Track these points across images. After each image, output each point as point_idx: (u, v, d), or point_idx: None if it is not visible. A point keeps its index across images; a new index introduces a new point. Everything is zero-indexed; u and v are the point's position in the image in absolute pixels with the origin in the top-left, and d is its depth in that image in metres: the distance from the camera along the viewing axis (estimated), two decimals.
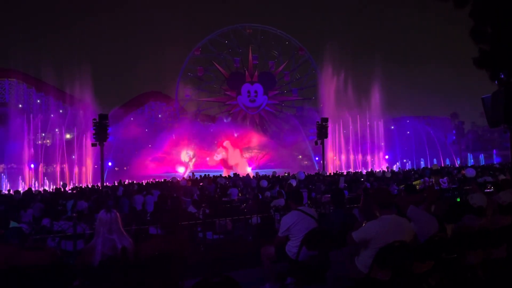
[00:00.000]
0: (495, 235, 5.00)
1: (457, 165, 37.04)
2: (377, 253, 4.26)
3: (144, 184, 25.84)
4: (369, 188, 16.38)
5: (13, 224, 5.92)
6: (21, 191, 23.33)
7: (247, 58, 62.87)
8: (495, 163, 39.51)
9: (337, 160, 44.98)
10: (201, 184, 21.84)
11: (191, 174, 33.90)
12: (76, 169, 40.45)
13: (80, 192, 20.02)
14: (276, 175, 28.39)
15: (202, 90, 62.21)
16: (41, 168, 39.38)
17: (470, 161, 47.49)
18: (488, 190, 10.48)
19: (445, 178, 20.24)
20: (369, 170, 36.65)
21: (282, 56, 63.46)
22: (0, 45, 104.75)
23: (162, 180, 29.52)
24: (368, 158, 46.32)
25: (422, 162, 47.10)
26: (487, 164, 37.95)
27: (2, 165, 42.02)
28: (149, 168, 42.47)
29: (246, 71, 62.33)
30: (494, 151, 49.90)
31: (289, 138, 48.08)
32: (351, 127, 46.43)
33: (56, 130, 44.74)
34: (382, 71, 49.04)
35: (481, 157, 49.49)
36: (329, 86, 48.05)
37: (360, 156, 46.42)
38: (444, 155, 47.02)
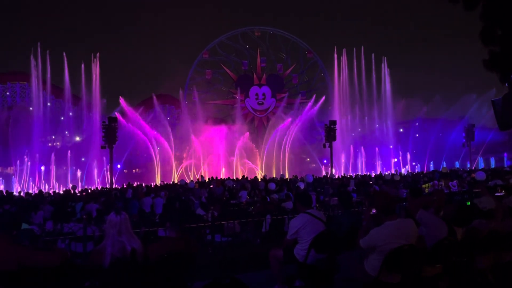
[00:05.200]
0: (506, 238, 4.96)
1: (467, 168, 36.64)
2: (385, 256, 4.25)
3: (152, 186, 25.99)
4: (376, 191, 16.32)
5: (24, 226, 6.01)
6: (32, 193, 23.60)
7: (255, 61, 63.01)
8: (505, 166, 39.05)
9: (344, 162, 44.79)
10: (211, 186, 21.91)
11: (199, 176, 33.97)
12: (85, 172, 40.81)
13: (89, 195, 20.19)
14: (284, 178, 28.39)
15: (211, 93, 62.43)
16: (52, 170, 39.74)
17: (480, 164, 46.96)
18: (499, 194, 10.36)
19: (455, 181, 20.08)
20: (378, 173, 36.47)
21: (290, 58, 63.55)
22: (11, 48, 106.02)
23: (171, 183, 29.68)
24: (377, 161, 46.03)
25: (431, 165, 46.71)
26: (497, 167, 37.51)
27: (13, 167, 42.48)
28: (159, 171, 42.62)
29: (254, 74, 62.45)
30: (505, 154, 49.28)
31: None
32: (359, 129, 46.26)
33: (66, 132, 45.14)
34: (391, 72, 48.77)
35: (492, 160, 48.92)
36: (338, 89, 47.92)
37: (368, 159, 46.14)
38: (454, 158, 46.59)
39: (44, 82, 42.66)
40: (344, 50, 48.20)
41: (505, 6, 8.72)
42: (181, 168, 42.78)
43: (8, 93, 59.27)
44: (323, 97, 49.12)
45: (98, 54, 41.63)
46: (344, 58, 47.75)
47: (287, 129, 43.63)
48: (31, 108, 45.89)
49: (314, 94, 54.90)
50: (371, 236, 4.40)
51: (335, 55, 47.58)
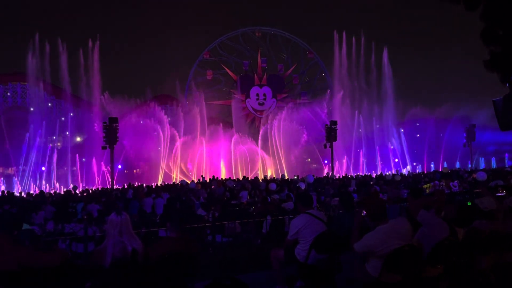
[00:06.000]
0: (507, 239, 4.95)
1: (468, 169, 36.62)
2: (386, 257, 4.25)
3: (153, 186, 26.01)
4: (378, 192, 16.34)
5: (25, 226, 6.01)
6: (33, 194, 23.63)
7: (256, 61, 63.09)
8: (506, 166, 39.02)
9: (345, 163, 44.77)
10: (212, 187, 21.89)
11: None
12: (84, 172, 40.89)
13: (90, 195, 20.21)
14: (285, 178, 28.36)
15: (211, 93, 62.49)
16: (54, 170, 39.83)
17: (482, 165, 46.92)
18: (500, 194, 10.36)
19: (456, 181, 20.06)
20: (379, 173, 36.45)
21: (291, 59, 63.58)
22: (13, 49, 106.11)
23: (172, 183, 29.68)
24: (377, 161, 46.02)
25: (432, 165, 46.68)
26: (498, 168, 37.49)
27: (14, 168, 42.53)
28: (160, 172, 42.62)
29: (255, 74, 62.51)
30: (506, 154, 49.29)
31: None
32: (361, 129, 46.22)
33: (67, 133, 45.17)
34: (393, 73, 48.71)
35: (493, 161, 48.91)
36: (339, 89, 47.88)
37: (369, 159, 46.10)
38: (454, 158, 46.54)
39: (44, 81, 42.67)
40: (344, 33, 48.00)
41: (506, 6, 8.72)
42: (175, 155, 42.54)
43: (9, 94, 59.34)
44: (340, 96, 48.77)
45: (97, 47, 41.41)
46: (344, 47, 47.56)
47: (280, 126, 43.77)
48: (32, 109, 45.94)
49: (328, 90, 54.62)
50: (365, 241, 4.40)
51: (335, 35, 47.44)
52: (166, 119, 42.23)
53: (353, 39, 47.27)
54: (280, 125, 43.54)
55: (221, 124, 46.56)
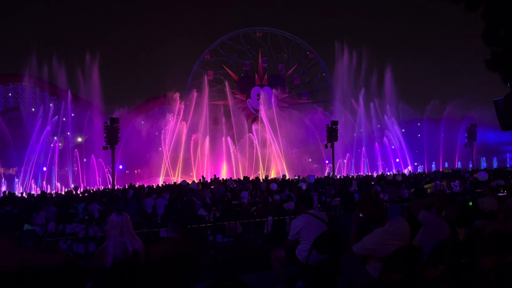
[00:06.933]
0: (508, 239, 4.94)
1: (469, 169, 36.57)
2: (386, 258, 4.24)
3: (154, 187, 26.01)
4: (379, 192, 16.31)
5: (26, 226, 6.02)
6: (34, 194, 23.63)
7: (257, 62, 63.06)
8: (508, 166, 38.96)
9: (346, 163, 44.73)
10: (212, 187, 21.90)
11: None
12: (84, 172, 40.99)
13: (91, 195, 20.21)
14: (286, 178, 28.35)
15: (212, 94, 62.43)
16: (55, 171, 39.87)
17: (483, 165, 46.83)
18: (501, 194, 10.35)
19: (457, 181, 20.04)
20: (380, 173, 36.40)
21: (292, 59, 63.57)
22: (13, 50, 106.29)
23: (173, 183, 29.69)
24: (379, 161, 45.95)
25: (433, 166, 46.63)
26: (500, 168, 37.42)
27: (15, 168, 42.57)
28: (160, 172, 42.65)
29: (256, 75, 62.48)
30: (508, 154, 49.23)
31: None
32: (362, 129, 46.19)
33: (68, 133, 45.25)
34: (393, 73, 48.64)
35: (494, 161, 48.82)
36: (340, 88, 47.94)
37: (370, 159, 46.03)
38: (456, 158, 46.50)
39: (46, 83, 42.75)
40: (344, 39, 48.15)
41: (507, 6, 8.70)
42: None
43: (10, 94, 59.41)
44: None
45: (98, 48, 41.64)
46: (346, 54, 47.64)
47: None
48: (33, 109, 46.00)
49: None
50: (364, 244, 4.39)
51: (336, 44, 47.54)
52: (179, 104, 42.46)
53: (353, 46, 47.48)
54: (275, 119, 43.70)
55: (223, 120, 46.65)
